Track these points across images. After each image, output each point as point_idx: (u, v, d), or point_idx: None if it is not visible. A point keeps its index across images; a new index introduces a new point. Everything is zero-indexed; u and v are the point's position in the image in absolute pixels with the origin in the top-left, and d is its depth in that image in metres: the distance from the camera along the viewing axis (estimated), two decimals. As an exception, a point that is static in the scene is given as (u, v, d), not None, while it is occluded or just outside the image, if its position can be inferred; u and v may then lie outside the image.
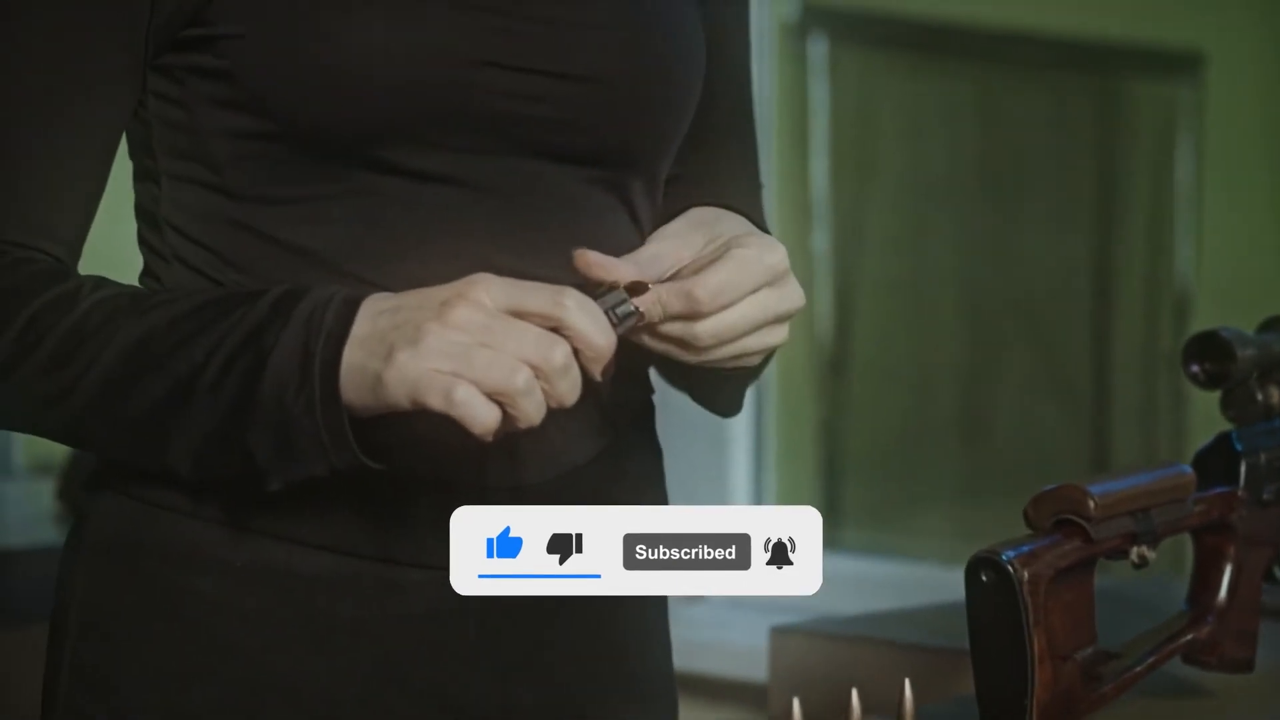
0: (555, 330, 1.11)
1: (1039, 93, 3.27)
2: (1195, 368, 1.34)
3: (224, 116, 1.21)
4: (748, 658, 2.25)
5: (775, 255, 1.19)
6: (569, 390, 1.11)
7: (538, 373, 1.10)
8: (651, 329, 1.17)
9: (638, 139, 1.26)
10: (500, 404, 1.10)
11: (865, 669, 1.65)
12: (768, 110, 2.90)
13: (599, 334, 1.12)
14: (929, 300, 3.26)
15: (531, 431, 1.15)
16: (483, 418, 1.10)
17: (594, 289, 1.15)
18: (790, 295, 1.20)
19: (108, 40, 1.20)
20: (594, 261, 1.16)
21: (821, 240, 3.13)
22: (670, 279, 1.18)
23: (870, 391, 3.24)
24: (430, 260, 1.19)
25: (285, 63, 1.18)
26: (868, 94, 3.23)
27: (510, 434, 1.15)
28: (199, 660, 1.23)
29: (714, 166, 1.35)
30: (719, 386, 1.33)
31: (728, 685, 2.40)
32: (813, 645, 1.68)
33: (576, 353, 1.11)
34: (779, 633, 1.71)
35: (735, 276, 1.17)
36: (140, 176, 1.27)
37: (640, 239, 1.27)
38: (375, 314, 1.13)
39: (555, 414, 1.15)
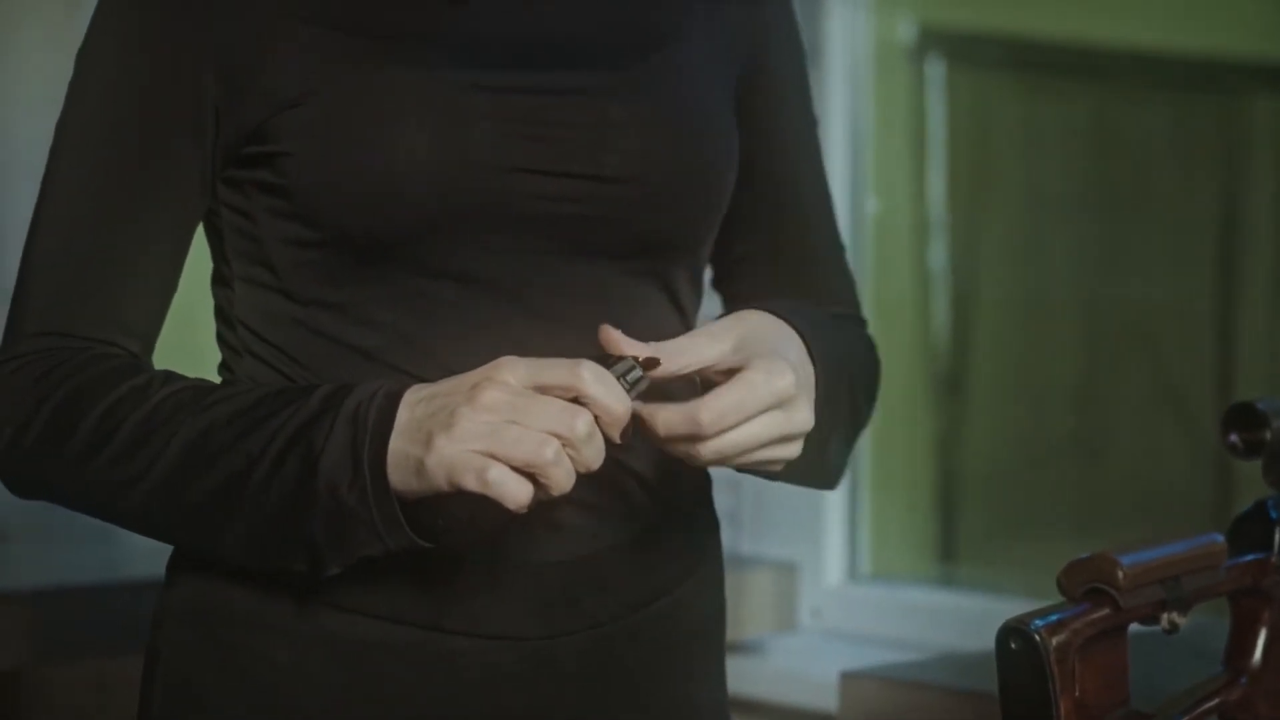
0: (576, 401, 1.17)
1: (1159, 112, 3.25)
2: (1234, 437, 1.36)
3: (282, 226, 1.29)
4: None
5: (783, 380, 1.22)
6: (594, 455, 1.17)
7: (565, 442, 1.16)
8: (659, 443, 1.22)
9: (670, 233, 1.32)
10: (532, 476, 1.16)
11: (932, 714, 1.68)
12: (885, 130, 2.92)
13: (615, 400, 1.18)
14: (1047, 318, 3.26)
15: (579, 508, 1.21)
16: (515, 493, 1.16)
17: (608, 361, 1.21)
18: (796, 419, 1.23)
19: (179, 152, 1.29)
20: (614, 339, 1.22)
21: (938, 258, 3.15)
22: (684, 377, 1.23)
23: (986, 410, 3.24)
24: (475, 356, 1.24)
25: (331, 177, 1.26)
26: (985, 114, 3.24)
27: (557, 511, 1.21)
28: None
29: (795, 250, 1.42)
30: (803, 474, 1.35)
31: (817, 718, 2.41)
32: (881, 690, 1.71)
33: (596, 419, 1.17)
34: (848, 677, 1.74)
35: (740, 400, 1.21)
36: (216, 280, 1.36)
37: (683, 324, 1.33)
38: (414, 403, 1.19)
39: (604, 488, 1.20)
